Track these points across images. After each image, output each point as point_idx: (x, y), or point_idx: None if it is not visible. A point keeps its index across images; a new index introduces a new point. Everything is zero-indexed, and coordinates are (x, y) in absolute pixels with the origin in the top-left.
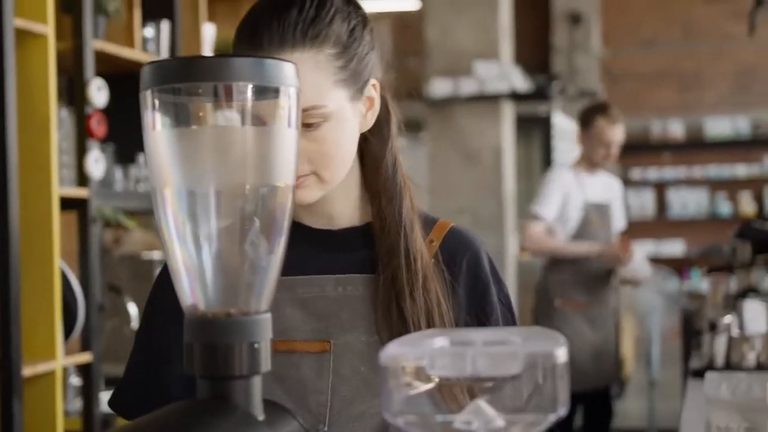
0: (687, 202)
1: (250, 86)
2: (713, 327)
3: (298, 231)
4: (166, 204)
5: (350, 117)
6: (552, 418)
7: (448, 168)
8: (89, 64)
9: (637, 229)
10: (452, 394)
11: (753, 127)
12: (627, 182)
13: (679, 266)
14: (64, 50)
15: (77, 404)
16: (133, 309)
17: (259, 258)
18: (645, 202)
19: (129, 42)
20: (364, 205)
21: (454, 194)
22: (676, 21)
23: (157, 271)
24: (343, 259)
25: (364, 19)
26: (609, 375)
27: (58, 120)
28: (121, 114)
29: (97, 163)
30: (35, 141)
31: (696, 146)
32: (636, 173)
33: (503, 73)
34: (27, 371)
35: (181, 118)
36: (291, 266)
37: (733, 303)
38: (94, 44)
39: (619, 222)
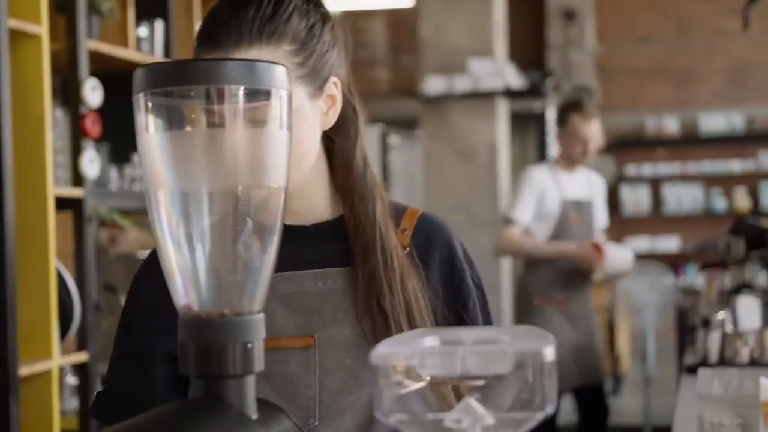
0: (682, 197)
1: (241, 89)
2: (707, 323)
3: None
4: (160, 205)
5: (310, 115)
6: (540, 416)
7: (443, 165)
8: (83, 64)
9: (632, 224)
10: (441, 393)
11: (747, 123)
12: (622, 178)
13: (674, 262)
14: (59, 50)
15: (73, 403)
16: None
17: (252, 258)
18: (640, 197)
19: (123, 42)
20: (334, 201)
21: (449, 191)
22: (670, 17)
23: None
24: (318, 253)
25: (324, 17)
26: (593, 372)
27: (52, 120)
28: (116, 114)
29: (91, 162)
30: (30, 141)
31: (691, 142)
32: (631, 169)
33: (497, 71)
34: (23, 371)
35: (173, 120)
36: None
37: (727, 299)
38: (88, 44)
39: (601, 219)
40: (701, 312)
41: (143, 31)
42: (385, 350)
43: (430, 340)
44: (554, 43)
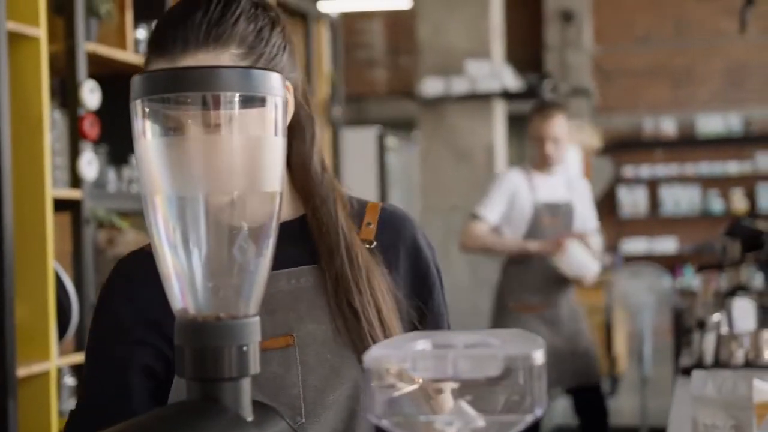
0: (679, 199)
1: (237, 96)
2: (702, 325)
3: None
4: (157, 210)
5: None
6: (530, 419)
7: (441, 166)
8: (82, 66)
9: (629, 226)
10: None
11: (745, 124)
12: (619, 179)
13: (671, 263)
14: (57, 52)
15: (71, 404)
16: None
17: (248, 262)
18: (637, 199)
19: (121, 44)
20: (294, 201)
21: (447, 192)
22: (668, 18)
23: None
24: (287, 253)
25: (273, 21)
26: (583, 375)
27: (51, 122)
28: (114, 115)
29: (90, 164)
30: (28, 143)
31: (688, 143)
32: (628, 170)
33: (495, 72)
34: (21, 372)
35: (170, 126)
36: None
37: (723, 301)
38: (86, 46)
39: (587, 221)
40: (697, 314)
41: (141, 33)
42: (377, 353)
43: (422, 343)
44: (552, 45)
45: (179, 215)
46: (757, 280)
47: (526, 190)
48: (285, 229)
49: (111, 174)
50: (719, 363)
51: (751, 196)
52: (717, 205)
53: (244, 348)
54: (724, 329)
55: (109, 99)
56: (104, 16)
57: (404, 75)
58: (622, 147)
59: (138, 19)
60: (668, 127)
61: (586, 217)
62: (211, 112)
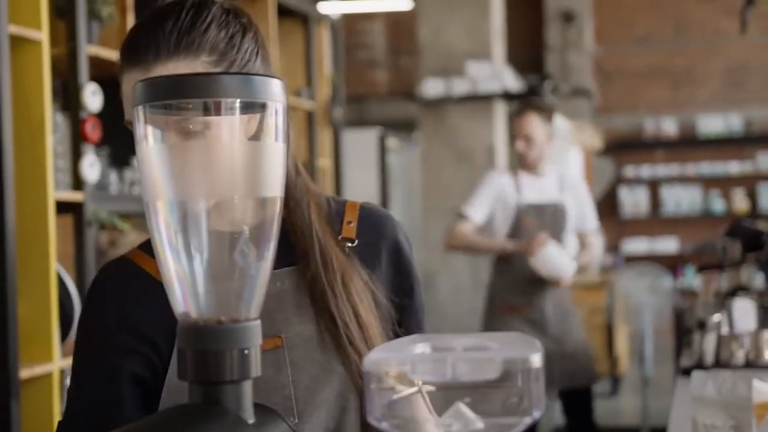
0: (680, 199)
1: (238, 102)
2: (702, 325)
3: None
4: (159, 215)
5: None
6: (528, 421)
7: (441, 167)
8: (83, 68)
9: (630, 226)
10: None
11: (746, 125)
12: (620, 180)
13: (672, 263)
14: (59, 55)
15: None
16: None
17: (249, 267)
18: (639, 199)
19: None
20: None
21: (447, 194)
22: (668, 18)
23: None
24: None
25: (244, 27)
26: (564, 378)
27: (53, 124)
28: (116, 118)
29: (91, 167)
30: (30, 145)
31: (689, 143)
32: (629, 171)
33: (495, 73)
34: (24, 373)
35: (172, 132)
36: None
37: (723, 301)
38: (88, 49)
39: (585, 222)
40: (697, 314)
41: None
42: (377, 356)
43: (421, 346)
44: (553, 45)
45: (181, 220)
46: (757, 280)
47: (512, 190)
48: None
49: (113, 176)
50: (720, 363)
51: (752, 196)
52: (718, 205)
53: (246, 351)
54: (725, 329)
55: (110, 101)
56: (106, 18)
57: (405, 76)
58: (623, 147)
59: None
60: (669, 127)
61: (584, 217)
62: (212, 118)
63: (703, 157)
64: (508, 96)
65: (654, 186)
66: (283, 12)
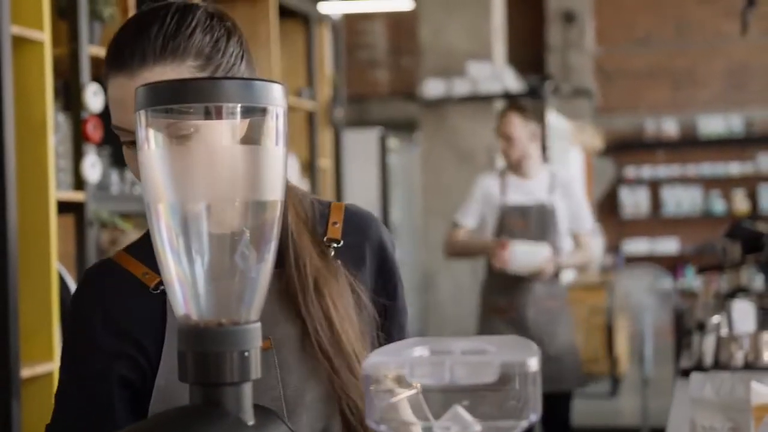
0: (681, 200)
1: (239, 107)
2: (702, 327)
3: None
4: (160, 218)
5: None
6: (525, 424)
7: (442, 168)
8: (85, 69)
9: (630, 226)
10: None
11: (746, 125)
12: (621, 180)
13: (673, 264)
14: (60, 56)
15: None
16: None
17: (249, 269)
18: (639, 200)
19: None
20: None
21: (448, 194)
22: (669, 19)
23: None
24: None
25: (229, 31)
26: (546, 381)
27: (54, 124)
28: None
29: (93, 167)
30: (32, 145)
31: (690, 144)
32: (630, 171)
33: (496, 74)
34: (25, 373)
35: (173, 137)
36: None
37: (723, 302)
38: (89, 50)
39: (580, 222)
40: (697, 315)
41: None
42: (375, 360)
43: (419, 350)
44: (553, 46)
45: (182, 222)
46: (757, 281)
47: (497, 192)
48: None
49: (114, 176)
50: (719, 364)
51: (752, 197)
52: (718, 205)
53: (246, 353)
54: (724, 331)
55: None
56: (107, 19)
57: (406, 76)
58: (624, 148)
59: None
60: (670, 127)
61: (578, 217)
62: (213, 122)
63: (704, 158)
64: (508, 96)
65: (654, 186)
66: (284, 12)
